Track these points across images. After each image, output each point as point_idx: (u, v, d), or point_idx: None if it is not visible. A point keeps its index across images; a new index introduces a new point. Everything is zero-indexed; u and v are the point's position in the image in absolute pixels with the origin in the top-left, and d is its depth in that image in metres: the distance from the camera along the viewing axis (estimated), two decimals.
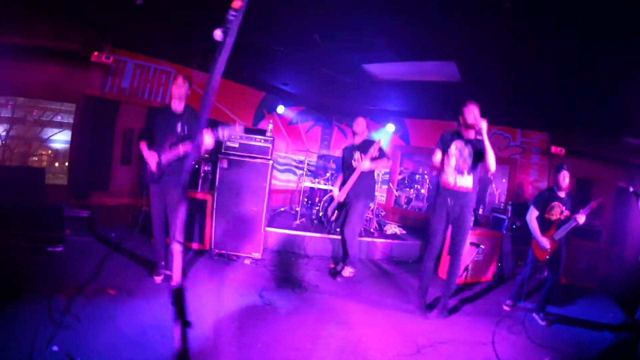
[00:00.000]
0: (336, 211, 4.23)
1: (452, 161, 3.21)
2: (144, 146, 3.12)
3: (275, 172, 7.44)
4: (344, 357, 2.45)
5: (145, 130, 3.19)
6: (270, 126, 4.47)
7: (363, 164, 3.74)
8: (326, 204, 4.98)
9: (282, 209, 6.45)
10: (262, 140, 4.23)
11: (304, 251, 4.81)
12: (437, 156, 3.24)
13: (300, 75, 5.33)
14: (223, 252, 4.24)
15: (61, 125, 7.43)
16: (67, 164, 5.50)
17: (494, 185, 8.43)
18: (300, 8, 3.12)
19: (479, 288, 4.44)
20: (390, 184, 7.67)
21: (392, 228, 5.79)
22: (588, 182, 5.91)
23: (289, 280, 3.80)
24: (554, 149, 6.23)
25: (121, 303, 2.70)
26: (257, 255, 4.28)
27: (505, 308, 3.81)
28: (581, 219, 3.34)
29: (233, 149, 4.24)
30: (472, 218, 3.39)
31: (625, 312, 3.82)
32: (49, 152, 7.91)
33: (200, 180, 4.36)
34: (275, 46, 4.19)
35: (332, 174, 6.13)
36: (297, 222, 5.34)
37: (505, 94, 4.79)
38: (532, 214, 3.61)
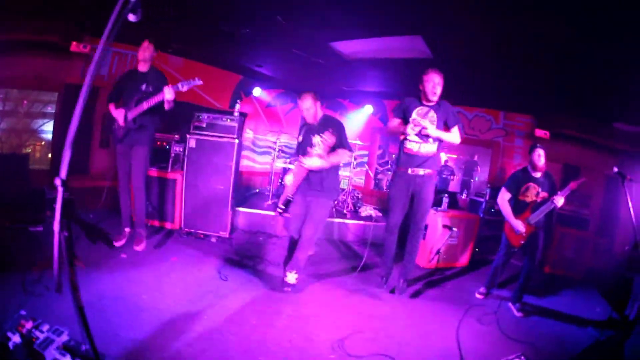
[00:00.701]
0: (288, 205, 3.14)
1: (415, 128, 3.05)
2: (112, 106, 3.41)
3: (254, 155, 7.52)
4: (287, 335, 2.43)
5: (113, 93, 3.48)
6: (238, 106, 4.50)
7: (311, 160, 2.89)
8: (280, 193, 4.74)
9: (257, 190, 6.55)
10: (229, 120, 4.28)
11: (274, 231, 4.87)
12: (394, 122, 3.22)
13: (272, 57, 5.38)
14: (192, 230, 4.32)
15: (51, 116, 7.62)
16: None
17: (479, 169, 8.38)
18: None
19: (451, 273, 4.31)
20: (368, 168, 7.64)
21: (367, 210, 5.78)
22: (575, 169, 5.80)
23: (251, 258, 3.86)
24: (538, 132, 6.17)
25: (87, 275, 2.82)
26: (224, 234, 4.33)
27: (478, 296, 3.60)
28: (559, 201, 3.14)
29: (200, 128, 4.29)
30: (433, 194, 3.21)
31: (612, 307, 3.41)
32: (42, 142, 8.11)
33: (170, 160, 4.43)
34: (241, 28, 4.23)
35: None
36: (269, 202, 5.40)
37: (483, 73, 4.71)
38: (503, 196, 3.43)
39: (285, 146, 6.47)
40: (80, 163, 4.95)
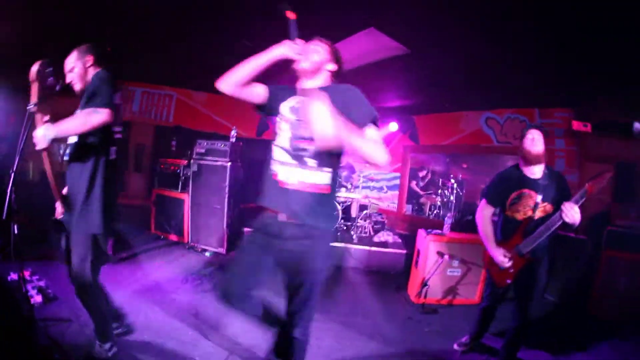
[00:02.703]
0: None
1: (284, 136, 1.66)
2: None
3: None
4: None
5: None
6: (233, 132, 4.95)
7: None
8: None
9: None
10: (223, 145, 4.75)
11: None
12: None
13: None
14: (194, 245, 4.84)
15: None
16: None
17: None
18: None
19: (446, 313, 3.46)
20: (414, 185, 7.14)
21: (384, 235, 5.40)
22: (630, 167, 4.32)
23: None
24: (576, 125, 4.73)
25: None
26: (221, 249, 4.72)
27: (456, 348, 2.71)
28: (569, 211, 1.95)
29: (201, 154, 4.86)
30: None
31: None
32: None
33: (180, 182, 5.09)
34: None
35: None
36: None
37: (492, 63, 3.88)
38: (483, 211, 2.41)
39: None
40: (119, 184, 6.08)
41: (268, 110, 1.76)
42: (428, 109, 6.57)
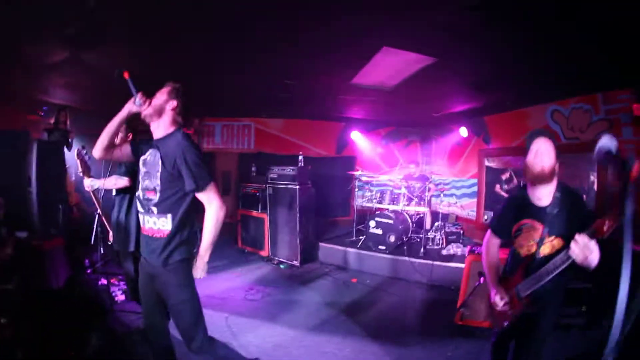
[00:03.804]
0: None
1: (139, 187, 1.90)
2: None
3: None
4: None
5: None
6: (300, 157, 5.47)
7: None
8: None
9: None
10: (291, 170, 5.31)
11: (348, 265, 5.32)
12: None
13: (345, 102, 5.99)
14: (274, 258, 5.52)
15: None
16: None
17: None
18: None
19: (483, 336, 3.01)
20: (498, 190, 6.61)
21: (454, 248, 5.25)
22: None
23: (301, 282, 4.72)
24: (637, 109, 3.92)
25: None
26: (296, 262, 5.29)
27: None
28: (579, 247, 1.44)
29: (273, 179, 5.51)
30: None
31: None
32: None
33: (260, 204, 5.81)
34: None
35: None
36: (352, 239, 5.74)
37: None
38: (489, 241, 2.06)
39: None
40: None
41: (137, 165, 1.94)
42: (495, 109, 6.12)
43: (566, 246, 1.56)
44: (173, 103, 1.87)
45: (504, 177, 6.92)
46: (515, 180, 6.84)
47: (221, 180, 6.92)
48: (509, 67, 3.88)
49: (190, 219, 1.88)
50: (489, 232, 2.08)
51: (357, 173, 6.25)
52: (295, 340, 3.13)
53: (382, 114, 6.76)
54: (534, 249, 1.78)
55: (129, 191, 2.99)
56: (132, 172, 2.82)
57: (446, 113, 6.45)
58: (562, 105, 5.22)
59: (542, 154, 1.70)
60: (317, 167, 6.37)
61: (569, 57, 3.49)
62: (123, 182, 2.95)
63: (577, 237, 1.46)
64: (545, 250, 1.75)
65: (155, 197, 1.80)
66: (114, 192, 3.09)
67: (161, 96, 1.86)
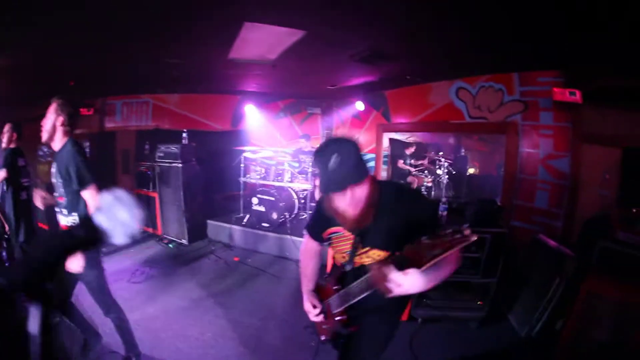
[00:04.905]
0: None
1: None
2: None
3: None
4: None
5: None
6: (184, 134, 5.43)
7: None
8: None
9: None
10: (174, 148, 5.26)
11: (234, 243, 5.38)
12: None
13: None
14: (165, 237, 5.56)
15: None
16: None
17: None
18: None
19: None
20: (402, 165, 6.65)
21: None
22: None
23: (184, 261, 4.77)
24: (558, 93, 3.70)
25: None
26: (184, 241, 5.36)
27: None
28: (379, 276, 1.17)
29: (161, 157, 5.43)
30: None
31: None
32: None
33: (151, 183, 5.77)
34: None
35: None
36: (239, 216, 5.79)
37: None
38: (306, 243, 1.77)
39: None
40: (110, 183, 7.02)
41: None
42: (397, 83, 6.15)
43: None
44: (60, 119, 2.09)
45: (409, 151, 7.08)
46: (420, 154, 6.86)
47: (120, 158, 6.77)
48: (403, 40, 3.51)
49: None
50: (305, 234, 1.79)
51: (244, 148, 6.17)
52: (165, 323, 3.16)
53: (276, 87, 6.62)
54: (344, 259, 1.50)
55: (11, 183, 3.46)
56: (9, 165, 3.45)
57: (344, 86, 6.39)
58: (469, 83, 5.14)
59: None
60: (212, 142, 6.31)
61: (483, 35, 3.20)
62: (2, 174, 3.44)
63: (379, 265, 1.18)
64: (364, 260, 1.43)
65: (63, 201, 2.16)
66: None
67: (50, 116, 2.09)
